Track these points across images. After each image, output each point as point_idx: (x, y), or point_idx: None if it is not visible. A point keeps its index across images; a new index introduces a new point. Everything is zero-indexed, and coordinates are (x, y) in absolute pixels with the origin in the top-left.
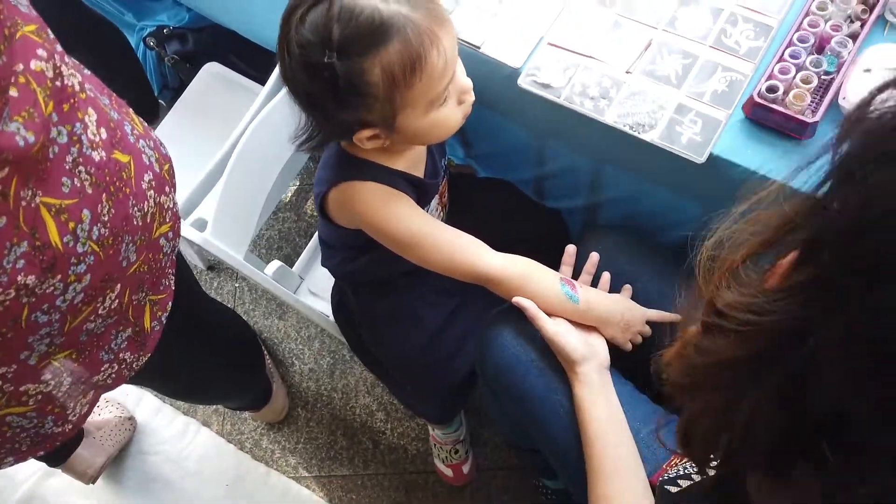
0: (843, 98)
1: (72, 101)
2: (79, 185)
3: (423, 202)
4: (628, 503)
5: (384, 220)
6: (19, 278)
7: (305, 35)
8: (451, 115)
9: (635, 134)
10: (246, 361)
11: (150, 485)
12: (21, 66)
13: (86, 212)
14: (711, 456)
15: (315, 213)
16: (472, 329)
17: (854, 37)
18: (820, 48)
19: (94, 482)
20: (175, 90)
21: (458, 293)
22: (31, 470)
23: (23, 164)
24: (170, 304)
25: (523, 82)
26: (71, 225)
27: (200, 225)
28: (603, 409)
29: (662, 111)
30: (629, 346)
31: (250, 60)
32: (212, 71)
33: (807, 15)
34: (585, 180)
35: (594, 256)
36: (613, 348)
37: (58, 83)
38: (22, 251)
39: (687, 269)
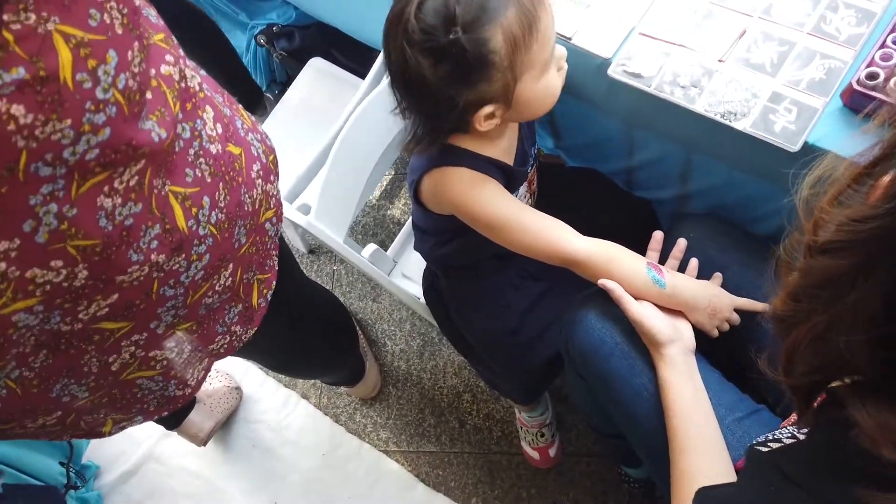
0: None
1: (193, 100)
2: (199, 175)
3: (511, 188)
4: (712, 479)
5: (474, 204)
6: (153, 257)
7: (428, 21)
8: (556, 80)
9: (726, 122)
10: (341, 339)
11: (253, 450)
12: (153, 71)
13: (206, 199)
14: (813, 387)
15: (407, 202)
16: (558, 313)
17: None
18: None
19: (204, 444)
20: (283, 84)
21: (545, 278)
22: (149, 432)
23: (155, 157)
24: (274, 282)
25: (614, 72)
26: (194, 210)
27: (305, 210)
28: (688, 389)
29: (756, 99)
30: (715, 333)
31: (350, 54)
32: (316, 66)
33: None
34: (675, 170)
35: (682, 242)
36: (703, 337)
37: (182, 84)
38: (155, 233)
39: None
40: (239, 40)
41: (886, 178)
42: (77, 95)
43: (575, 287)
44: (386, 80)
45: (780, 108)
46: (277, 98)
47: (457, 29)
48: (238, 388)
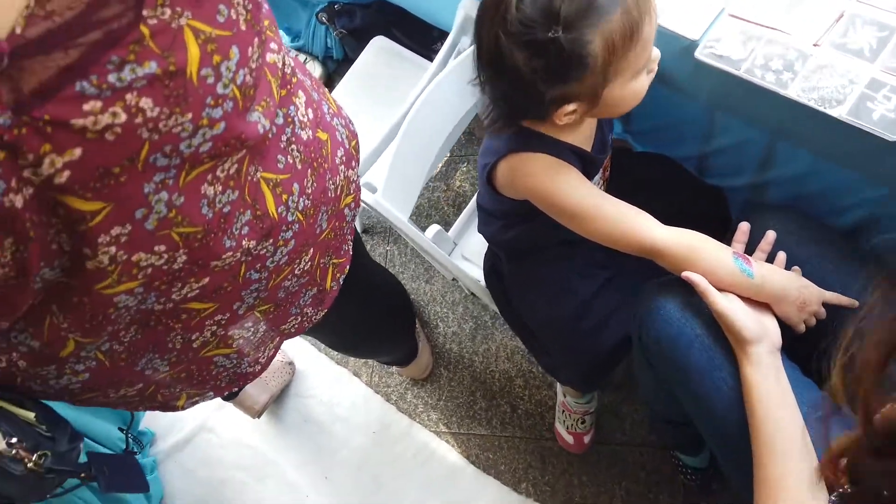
0: None
1: (289, 86)
2: (291, 161)
3: (589, 175)
4: (798, 485)
5: (552, 191)
6: (244, 243)
7: (529, 13)
8: (644, 83)
9: (821, 109)
10: (400, 321)
11: (304, 425)
12: (260, 60)
13: (295, 185)
14: None
15: (462, 183)
16: (623, 303)
17: None
18: None
19: (259, 416)
20: (339, 62)
21: (611, 266)
22: (204, 403)
23: (257, 145)
24: (347, 266)
25: (701, 54)
26: (284, 197)
27: (371, 188)
28: (774, 390)
29: (853, 86)
30: (802, 327)
31: (412, 34)
32: (379, 45)
33: None
34: (755, 157)
35: (770, 234)
36: (783, 330)
37: (283, 72)
38: (246, 219)
39: (865, 253)
40: (299, 17)
41: None
42: (200, 90)
43: (642, 276)
44: (454, 62)
45: (878, 95)
46: (335, 75)
47: (558, 28)
48: (292, 363)
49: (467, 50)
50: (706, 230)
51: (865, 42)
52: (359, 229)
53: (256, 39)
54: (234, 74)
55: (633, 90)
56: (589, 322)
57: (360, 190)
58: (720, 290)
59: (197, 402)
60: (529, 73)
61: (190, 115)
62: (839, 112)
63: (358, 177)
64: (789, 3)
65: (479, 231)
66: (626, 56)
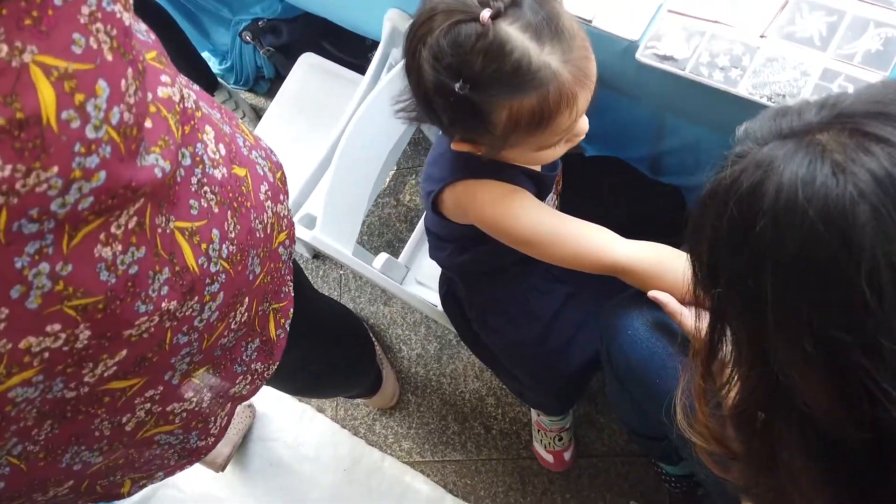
0: None
1: (192, 121)
2: (206, 205)
3: (542, 195)
4: None
5: (504, 218)
6: (163, 304)
7: (445, 50)
8: (554, 153)
9: (773, 105)
10: (358, 354)
11: (271, 469)
12: (150, 96)
13: (215, 231)
14: None
15: (414, 196)
16: (587, 317)
17: None
18: None
19: (222, 470)
20: (271, 81)
21: (571, 280)
22: None
23: (156, 192)
24: (291, 310)
25: (642, 56)
26: (203, 246)
27: (309, 222)
28: None
29: (806, 78)
30: None
31: (344, 46)
32: (308, 62)
33: None
34: (710, 156)
35: None
36: None
37: (181, 106)
38: (165, 278)
39: None
40: (222, 37)
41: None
42: (63, 137)
43: (605, 288)
44: (388, 75)
45: (833, 86)
46: (267, 96)
47: (466, 85)
48: (251, 406)
49: (401, 62)
50: (665, 230)
51: (815, 29)
52: (308, 255)
53: (131, 70)
54: (105, 114)
55: (538, 157)
56: (554, 342)
57: (293, 225)
58: (687, 304)
59: (145, 486)
60: (432, 99)
61: (56, 169)
62: None
63: (289, 211)
64: None
65: (431, 257)
66: (532, 135)
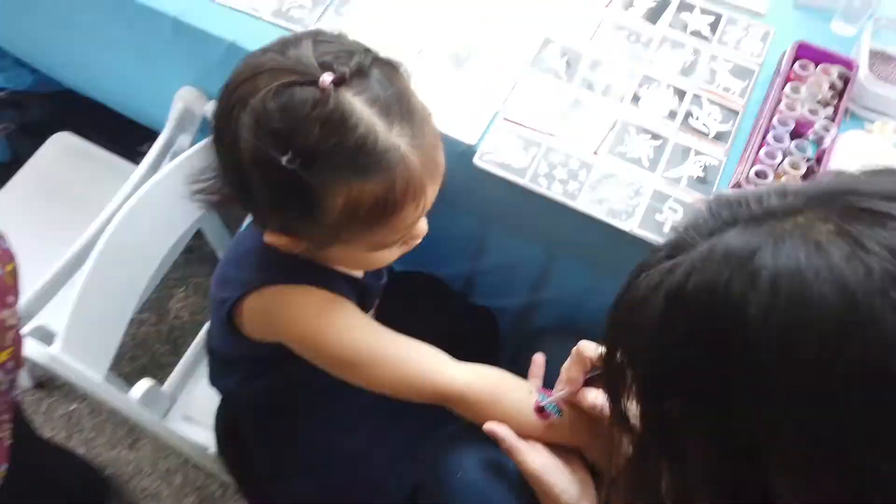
0: None
1: None
2: None
3: (364, 309)
4: None
5: (325, 335)
6: None
7: (272, 114)
8: (388, 256)
9: (613, 223)
10: None
11: None
12: None
13: None
14: None
15: (180, 313)
16: (399, 456)
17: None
18: (796, 133)
19: None
20: (5, 165)
21: (381, 412)
22: None
23: None
24: (4, 466)
25: (480, 161)
26: None
27: (44, 335)
28: None
29: (639, 197)
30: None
31: (111, 133)
32: (64, 142)
33: (779, 100)
34: (530, 275)
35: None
36: None
37: None
38: None
39: None
40: None
41: None
42: None
43: (419, 419)
44: (170, 165)
45: (664, 207)
46: None
47: (296, 158)
48: None
49: (188, 151)
50: (478, 355)
51: (643, 151)
52: (28, 384)
53: None
54: None
55: (369, 259)
56: (361, 488)
57: (21, 341)
58: (524, 436)
59: None
60: (254, 178)
61: None
62: (630, 226)
63: (18, 319)
64: (564, 107)
65: (213, 384)
66: (370, 229)
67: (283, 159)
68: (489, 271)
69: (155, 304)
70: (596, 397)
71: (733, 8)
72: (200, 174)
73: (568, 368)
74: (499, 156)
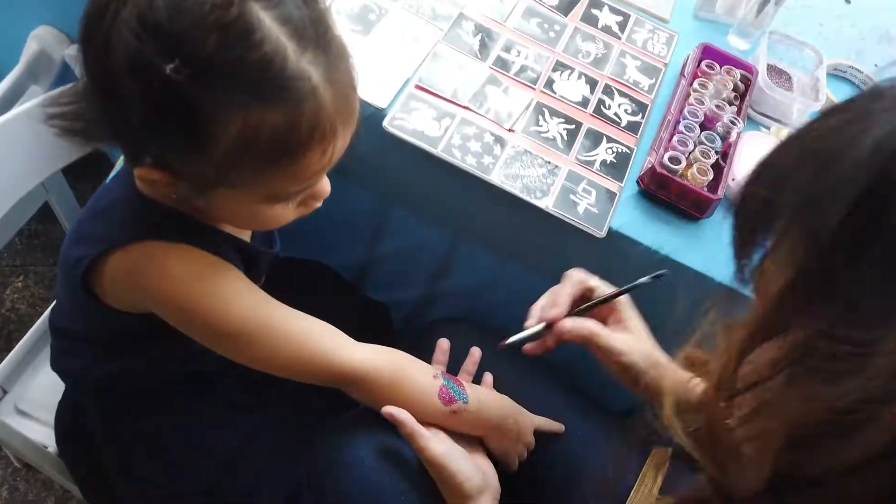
0: (734, 180)
1: None
2: None
3: (253, 278)
4: None
5: (204, 302)
6: None
7: (159, 12)
8: (284, 214)
9: (528, 199)
10: None
11: None
12: None
13: None
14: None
15: (17, 305)
16: (276, 457)
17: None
18: (703, 126)
19: None
20: None
21: (257, 407)
22: None
23: None
24: None
25: (390, 125)
26: None
27: None
28: None
29: (553, 177)
30: (516, 464)
31: None
32: None
33: (688, 94)
34: (431, 263)
35: (476, 351)
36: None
37: None
38: None
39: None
40: None
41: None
42: None
43: (299, 416)
44: (13, 113)
45: (578, 188)
46: None
47: (184, 69)
48: None
49: (37, 99)
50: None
51: (557, 133)
52: None
53: None
54: None
55: (259, 213)
56: (232, 492)
57: None
58: (428, 422)
59: None
60: (129, 91)
61: None
62: (546, 203)
63: None
64: (479, 83)
65: (54, 368)
66: (266, 172)
67: (168, 67)
68: (386, 259)
69: None
70: (574, 324)
71: (640, 11)
72: (60, 97)
73: (555, 293)
74: (411, 122)
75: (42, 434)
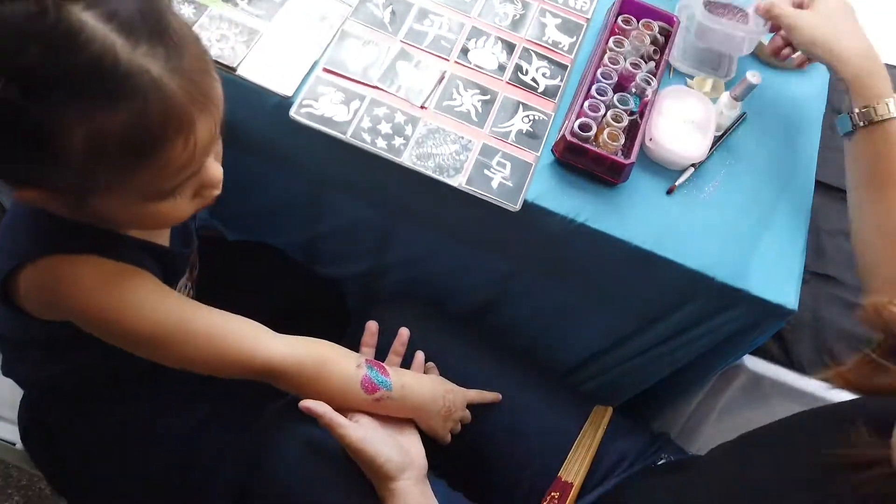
0: (650, 139)
1: None
2: None
3: (170, 279)
4: None
5: (116, 311)
6: None
7: None
8: (177, 208)
9: (440, 178)
10: None
11: None
12: None
13: None
14: None
15: None
16: (232, 441)
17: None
18: (619, 87)
19: None
20: None
21: (209, 394)
22: None
23: None
24: None
25: (297, 114)
26: None
27: None
28: None
29: (467, 153)
30: (449, 439)
31: None
32: None
33: (604, 52)
34: (370, 240)
35: (404, 332)
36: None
37: None
38: None
39: (495, 333)
40: None
41: None
42: None
43: (251, 399)
44: None
45: (493, 162)
46: None
47: (9, 85)
48: None
49: None
50: (323, 329)
51: (471, 105)
52: None
53: None
54: None
55: (149, 212)
56: (189, 480)
57: None
58: (352, 410)
59: None
60: None
61: None
62: (459, 181)
63: None
64: (389, 59)
65: (5, 373)
66: (132, 172)
67: None
68: (328, 236)
69: None
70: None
71: None
72: None
73: None
74: (318, 108)
75: (8, 432)
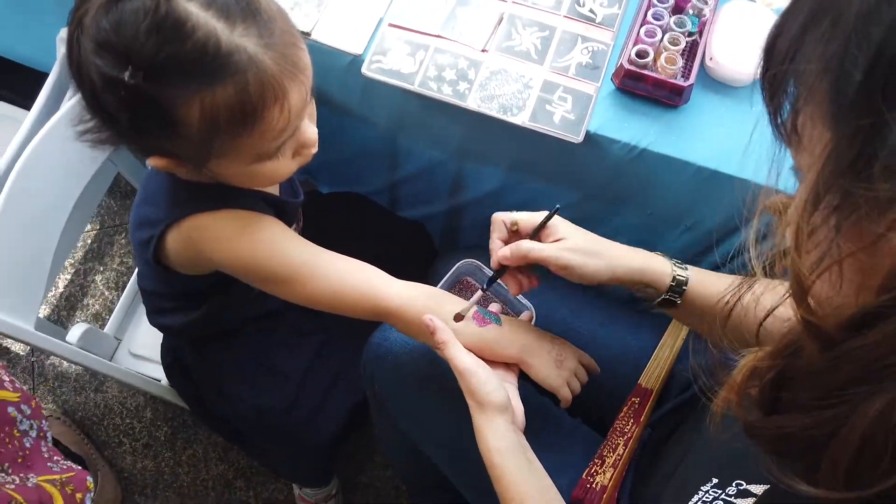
0: (711, 59)
1: None
2: None
3: (287, 225)
4: None
5: (252, 253)
6: None
7: (106, 31)
8: (281, 167)
9: (504, 118)
10: None
11: None
12: None
13: None
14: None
15: (124, 259)
16: (342, 371)
17: None
18: (677, 9)
19: None
20: None
21: (320, 331)
22: None
23: None
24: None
25: (368, 70)
26: None
27: None
28: (518, 461)
29: (529, 90)
30: (568, 393)
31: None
32: None
33: None
34: (445, 181)
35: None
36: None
37: None
38: None
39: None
40: None
41: None
42: None
43: (358, 335)
44: (68, 103)
45: (554, 97)
46: None
47: (137, 73)
48: None
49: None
50: (413, 267)
51: (530, 44)
52: None
53: None
54: None
55: (258, 172)
56: (305, 407)
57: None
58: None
59: None
60: (107, 105)
61: None
62: (522, 119)
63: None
64: (448, 8)
65: (152, 323)
66: (238, 138)
67: (125, 76)
68: (407, 181)
69: (97, 252)
70: (531, 246)
71: None
72: (83, 114)
73: (491, 241)
74: (387, 63)
75: (154, 370)
